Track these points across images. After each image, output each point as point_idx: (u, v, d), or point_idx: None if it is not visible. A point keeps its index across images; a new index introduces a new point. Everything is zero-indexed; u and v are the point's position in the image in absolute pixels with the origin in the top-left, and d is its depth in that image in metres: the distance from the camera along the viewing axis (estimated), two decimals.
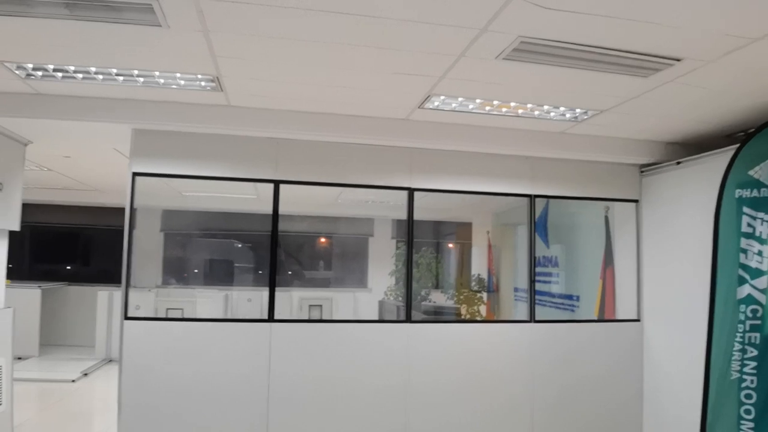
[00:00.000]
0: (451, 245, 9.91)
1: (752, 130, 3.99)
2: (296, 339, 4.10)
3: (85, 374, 6.96)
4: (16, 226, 4.31)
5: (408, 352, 4.24)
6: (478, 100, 3.79)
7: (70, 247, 9.61)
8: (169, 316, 6.92)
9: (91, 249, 9.72)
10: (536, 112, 4.00)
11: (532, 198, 4.62)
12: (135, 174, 3.98)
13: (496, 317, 6.89)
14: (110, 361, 7.87)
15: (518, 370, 4.43)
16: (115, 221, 9.46)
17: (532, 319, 4.53)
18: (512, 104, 3.85)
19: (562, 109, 3.93)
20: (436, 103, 3.84)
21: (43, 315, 7.92)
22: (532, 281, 4.62)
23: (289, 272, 10.09)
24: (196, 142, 4.05)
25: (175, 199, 7.60)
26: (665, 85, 3.32)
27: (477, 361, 4.37)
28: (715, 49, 2.82)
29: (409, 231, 4.42)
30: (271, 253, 4.20)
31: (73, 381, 6.61)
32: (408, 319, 4.30)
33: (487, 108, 3.92)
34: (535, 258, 4.68)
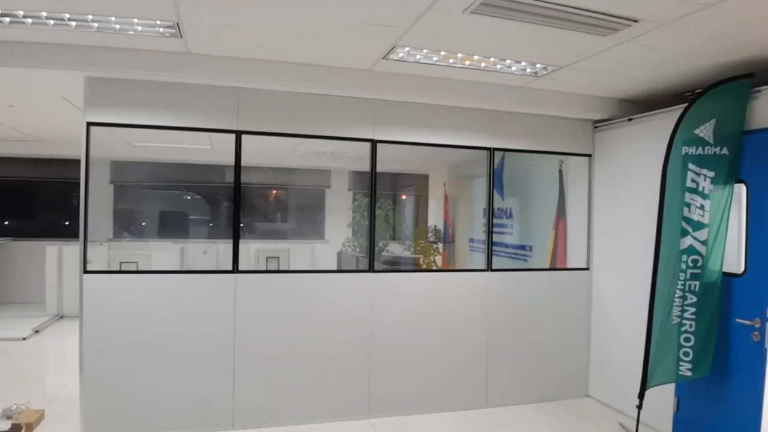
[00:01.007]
0: (407, 197, 10.04)
1: (699, 90, 4.20)
2: (261, 289, 4.15)
3: (37, 331, 6.80)
4: None
5: (371, 300, 4.38)
6: (442, 53, 3.81)
7: (13, 201, 9.16)
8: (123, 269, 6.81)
9: (35, 203, 9.31)
10: (498, 66, 4.06)
11: (491, 151, 4.74)
12: (90, 124, 3.83)
13: (450, 267, 7.13)
14: (62, 317, 7.71)
15: (476, 315, 4.65)
16: (61, 173, 9.09)
17: (489, 268, 4.73)
18: (475, 57, 3.88)
19: (523, 63, 4.00)
20: (400, 54, 3.83)
21: None
22: (490, 232, 4.79)
23: (243, 225, 10.00)
24: (153, 90, 3.91)
25: (125, 149, 7.34)
26: (623, 44, 3.44)
27: (437, 307, 4.56)
28: (670, 12, 2.94)
29: (372, 183, 4.48)
30: (234, 205, 4.18)
31: (24, 339, 6.46)
32: (371, 269, 4.41)
33: (451, 60, 3.94)
34: (493, 210, 4.82)
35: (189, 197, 9.58)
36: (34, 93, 4.71)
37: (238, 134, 4.11)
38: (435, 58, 3.91)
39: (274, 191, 10.22)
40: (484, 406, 4.67)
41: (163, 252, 8.10)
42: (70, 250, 7.76)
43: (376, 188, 4.48)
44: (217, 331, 4.05)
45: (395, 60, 3.92)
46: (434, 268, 7.04)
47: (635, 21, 3.09)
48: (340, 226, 10.04)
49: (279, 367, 4.17)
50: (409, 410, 4.46)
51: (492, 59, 3.93)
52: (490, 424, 4.34)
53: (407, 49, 3.72)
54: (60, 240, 8.59)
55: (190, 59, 3.80)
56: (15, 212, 9.12)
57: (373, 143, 4.41)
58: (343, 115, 4.33)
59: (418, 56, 3.87)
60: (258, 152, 7.03)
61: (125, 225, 9.06)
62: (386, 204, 8.71)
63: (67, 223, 9.21)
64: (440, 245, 7.87)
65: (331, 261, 9.53)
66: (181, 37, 3.49)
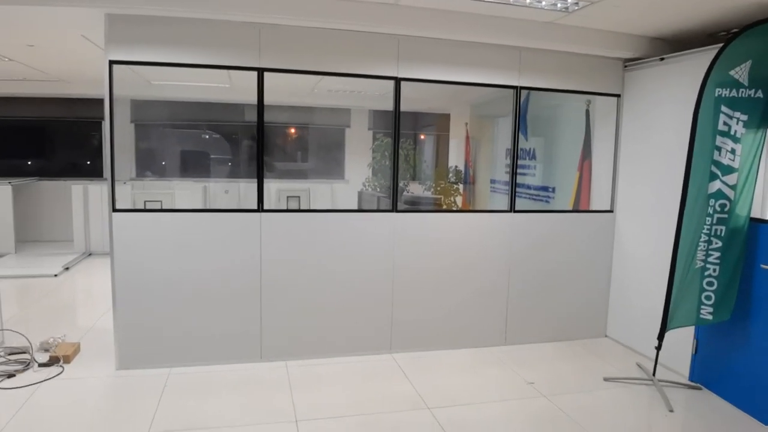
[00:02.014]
0: (427, 137, 9.93)
1: (735, 30, 4.01)
2: (286, 228, 4.21)
3: (67, 268, 7.04)
4: None
5: (394, 240, 4.43)
6: None
7: (35, 141, 9.25)
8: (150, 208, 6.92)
9: (56, 142, 9.38)
10: (528, 0, 3.89)
11: (517, 89, 4.63)
12: (112, 62, 3.79)
13: (471, 208, 7.13)
14: (90, 254, 7.94)
15: (497, 256, 4.69)
16: (82, 113, 9.11)
17: (512, 209, 4.73)
18: None
19: None
20: None
21: (16, 211, 7.80)
22: (514, 173, 4.75)
23: (265, 164, 10.02)
24: (175, 27, 3.84)
25: (145, 88, 7.30)
26: None
27: (459, 248, 4.60)
28: None
29: (395, 122, 4.42)
30: (257, 144, 4.18)
31: (56, 275, 6.69)
32: (394, 209, 4.43)
33: None
34: (518, 150, 4.76)
35: (209, 136, 9.59)
36: (54, 31, 4.65)
37: (261, 71, 4.05)
38: None
39: (294, 130, 10.16)
40: (503, 344, 4.79)
41: (185, 191, 8.21)
42: (95, 189, 7.89)
43: (399, 127, 4.43)
44: (243, 268, 4.15)
45: None
46: (454, 208, 7.05)
47: None
48: (359, 165, 10.02)
49: (304, 303, 4.29)
50: (429, 346, 4.59)
51: None
52: (509, 360, 4.47)
53: None
54: (81, 179, 8.73)
55: None
56: (36, 152, 9.23)
57: (397, 81, 4.32)
58: (367, 52, 4.23)
59: None
60: (278, 91, 6.96)
61: (147, 164, 9.14)
62: (407, 144, 8.62)
63: (88, 162, 9.32)
64: (461, 186, 7.84)
65: (350, 201, 9.59)
66: None
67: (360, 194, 8.33)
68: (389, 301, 4.48)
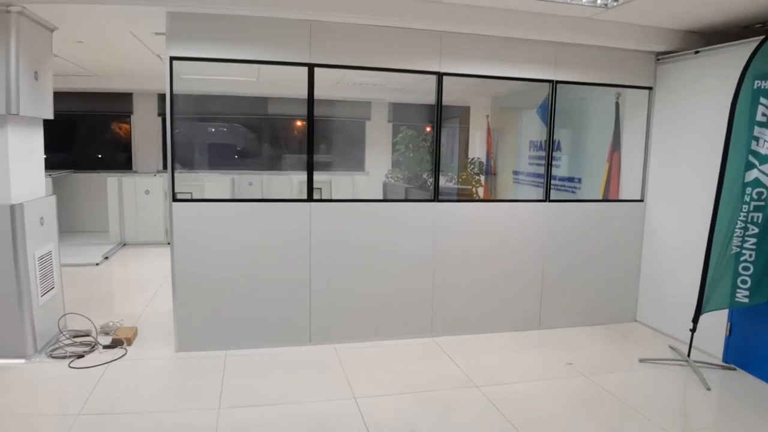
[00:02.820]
0: (449, 129, 10.06)
1: None
2: (334, 217, 4.39)
3: (106, 258, 7.25)
4: (50, 114, 4.34)
5: (436, 227, 4.61)
6: None
7: (68, 135, 9.43)
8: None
9: (87, 136, 9.57)
10: None
11: (553, 83, 4.79)
12: (172, 58, 3.97)
13: (495, 198, 7.31)
14: (125, 244, 8.15)
15: (533, 243, 4.88)
16: (112, 107, 9.28)
17: (547, 198, 4.91)
18: None
19: None
20: None
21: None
22: (549, 164, 4.92)
23: (286, 157, 10.21)
24: (231, 24, 4.01)
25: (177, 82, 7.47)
26: None
27: (496, 235, 4.79)
28: None
29: (437, 115, 4.59)
30: (308, 137, 4.34)
31: (97, 264, 6.90)
32: (436, 198, 4.61)
33: None
34: (552, 142, 4.93)
35: (237, 129, 9.77)
36: (103, 29, 4.82)
37: (311, 67, 4.22)
38: None
39: (316, 123, 10.30)
40: (538, 328, 4.98)
41: (214, 183, 8.40)
42: (129, 181, 8.09)
43: (441, 121, 4.60)
44: (294, 255, 4.34)
45: None
46: (492, 198, 7.22)
47: None
48: (379, 157, 10.19)
49: (350, 289, 4.48)
50: (468, 330, 4.79)
51: None
52: (546, 342, 4.66)
53: None
54: (113, 171, 8.92)
55: None
56: (69, 146, 9.41)
57: (440, 75, 4.49)
58: (411, 48, 4.39)
59: None
60: (304, 83, 7.14)
61: (177, 157, 9.31)
62: (428, 136, 8.77)
63: (122, 154, 9.51)
64: (482, 177, 8.00)
65: (371, 192, 9.76)
66: None
67: (385, 185, 8.50)
68: (430, 286, 4.67)
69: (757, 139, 3.75)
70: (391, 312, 4.61)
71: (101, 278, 6.45)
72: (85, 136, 9.50)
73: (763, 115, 3.72)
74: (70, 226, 8.71)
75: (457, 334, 4.76)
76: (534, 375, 4.03)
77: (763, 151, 3.73)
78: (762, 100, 3.72)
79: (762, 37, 3.73)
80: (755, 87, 3.74)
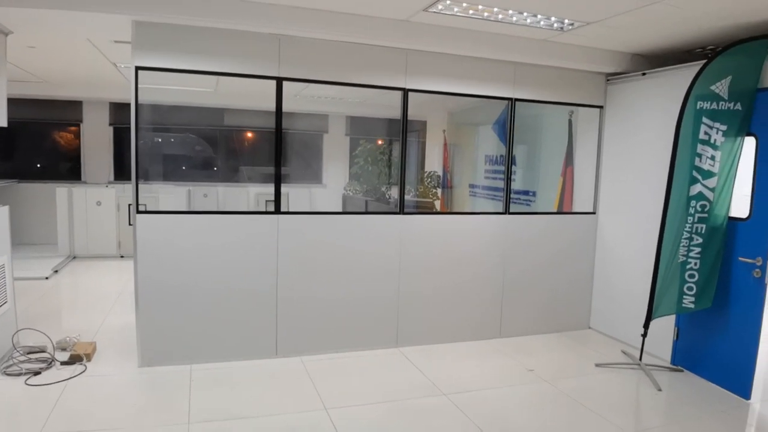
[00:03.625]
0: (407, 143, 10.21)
1: (711, 47, 4.51)
2: (301, 229, 4.42)
3: (56, 271, 6.96)
4: (3, 122, 4.18)
5: (401, 239, 4.71)
6: (480, 6, 3.99)
7: (12, 143, 9.02)
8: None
9: (34, 144, 9.18)
10: (528, 20, 4.26)
11: (512, 101, 5.00)
12: (138, 68, 3.92)
13: (450, 210, 7.50)
14: (74, 257, 7.85)
15: (493, 254, 5.05)
16: (61, 115, 8.96)
17: (506, 210, 5.10)
18: (510, 11, 4.08)
19: (553, 18, 4.21)
20: (440, 7, 4.00)
21: None
22: (508, 178, 5.12)
23: (242, 169, 10.12)
24: (199, 36, 4.00)
25: (127, 90, 7.30)
26: (654, 4, 3.67)
27: (459, 247, 4.93)
28: None
29: (403, 130, 4.71)
30: (275, 150, 4.37)
31: (47, 278, 6.62)
32: (401, 211, 4.71)
33: (486, 14, 4.13)
34: (511, 156, 5.14)
35: (192, 140, 9.60)
36: (60, 35, 4.70)
37: (279, 80, 4.26)
38: (471, 12, 4.09)
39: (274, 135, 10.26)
40: (499, 336, 5.14)
41: (169, 195, 8.23)
42: (80, 192, 7.81)
43: (407, 135, 4.72)
44: (261, 268, 4.33)
45: (434, 12, 4.08)
46: (456, 210, 7.38)
47: None
48: (337, 170, 10.25)
49: (317, 302, 4.51)
50: (433, 340, 4.89)
51: (524, 13, 4.13)
52: (508, 350, 4.82)
53: (448, 2, 3.89)
54: (61, 182, 8.59)
55: (238, 6, 3.89)
56: (12, 154, 9.00)
57: (405, 92, 4.62)
58: (378, 64, 4.50)
59: (456, 9, 4.04)
60: (264, 96, 7.15)
61: (127, 167, 9.07)
62: (387, 149, 8.92)
63: (67, 165, 9.17)
64: (439, 190, 8.20)
65: (328, 205, 9.80)
66: None
67: (344, 198, 8.57)
68: (395, 297, 4.75)
69: (699, 155, 4.05)
70: (358, 323, 4.65)
71: (52, 292, 6.20)
72: (28, 144, 9.10)
73: (705, 133, 4.03)
74: (14, 238, 8.29)
75: (422, 344, 4.85)
76: (498, 381, 4.16)
77: (705, 166, 4.03)
78: (704, 119, 4.02)
79: (703, 62, 4.05)
80: (697, 108, 4.05)
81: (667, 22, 4.05)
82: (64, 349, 4.25)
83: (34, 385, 3.69)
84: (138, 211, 4.07)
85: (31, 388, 3.65)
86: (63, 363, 4.05)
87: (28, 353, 4.13)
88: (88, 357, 4.17)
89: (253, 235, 4.30)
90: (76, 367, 4.01)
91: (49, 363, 4.02)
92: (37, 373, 3.86)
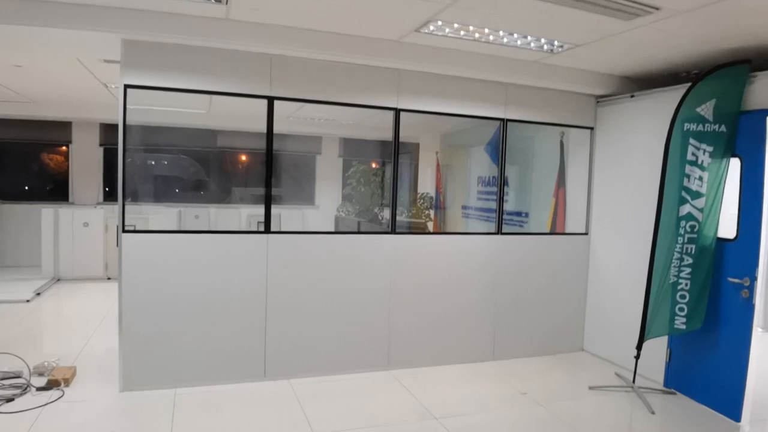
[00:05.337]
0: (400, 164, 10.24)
1: (696, 71, 4.56)
2: (291, 249, 4.36)
3: (38, 294, 6.81)
4: None
5: (392, 259, 4.65)
6: (471, 27, 4.01)
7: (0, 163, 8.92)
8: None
9: (19, 165, 9.09)
10: (519, 42, 4.29)
11: (504, 122, 5.02)
12: (127, 86, 3.89)
13: (446, 231, 7.47)
14: (58, 279, 7.70)
15: (485, 275, 5.01)
16: (50, 136, 8.89)
17: (499, 231, 5.07)
18: (500, 33, 4.12)
19: (543, 40, 4.25)
20: (431, 28, 4.02)
21: None
22: (500, 199, 5.10)
23: (234, 190, 10.07)
24: (188, 55, 3.99)
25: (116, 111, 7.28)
26: (639, 28, 3.71)
27: (451, 267, 4.88)
28: (690, 2, 3.21)
29: (395, 150, 4.70)
30: (266, 170, 4.33)
31: (28, 301, 6.47)
32: (393, 231, 4.67)
33: (477, 35, 4.16)
34: (504, 177, 5.13)
35: (182, 161, 9.56)
36: (48, 53, 4.68)
37: (271, 99, 4.24)
38: (462, 33, 4.11)
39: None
40: (492, 359, 5.06)
41: (159, 215, 8.15)
42: (66, 213, 7.70)
43: (398, 155, 4.71)
44: (249, 289, 4.25)
45: (425, 33, 4.11)
46: (448, 230, 7.33)
47: (657, 9, 3.37)
48: (330, 192, 10.23)
49: (307, 323, 4.42)
50: (425, 362, 4.80)
51: (515, 35, 4.16)
52: (501, 373, 4.74)
53: (440, 23, 3.92)
54: (47, 203, 8.47)
55: (229, 25, 3.89)
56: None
57: (397, 111, 4.62)
58: (370, 84, 4.51)
59: (447, 30, 4.06)
60: (258, 117, 7.15)
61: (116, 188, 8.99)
62: (380, 171, 8.92)
63: (54, 185, 9.07)
64: (431, 211, 8.18)
65: (321, 226, 9.74)
66: (226, 3, 3.57)
67: (337, 219, 8.52)
68: (387, 318, 4.67)
69: (688, 176, 4.06)
70: (349, 344, 4.57)
71: (33, 315, 6.05)
72: (15, 165, 8.99)
73: (693, 154, 4.05)
74: None
75: (413, 367, 4.76)
76: (491, 405, 4.08)
77: (693, 187, 4.04)
78: (691, 140, 4.04)
79: (690, 85, 4.08)
80: (685, 129, 4.07)
81: (653, 46, 4.11)
82: (41, 374, 4.12)
83: (5, 412, 3.54)
84: (124, 230, 4.00)
85: (2, 416, 3.50)
86: (39, 388, 3.91)
87: (2, 379, 3.98)
88: (67, 382, 4.03)
89: (242, 256, 4.23)
90: (53, 393, 3.87)
91: (24, 389, 3.88)
92: (10, 399, 3.71)
